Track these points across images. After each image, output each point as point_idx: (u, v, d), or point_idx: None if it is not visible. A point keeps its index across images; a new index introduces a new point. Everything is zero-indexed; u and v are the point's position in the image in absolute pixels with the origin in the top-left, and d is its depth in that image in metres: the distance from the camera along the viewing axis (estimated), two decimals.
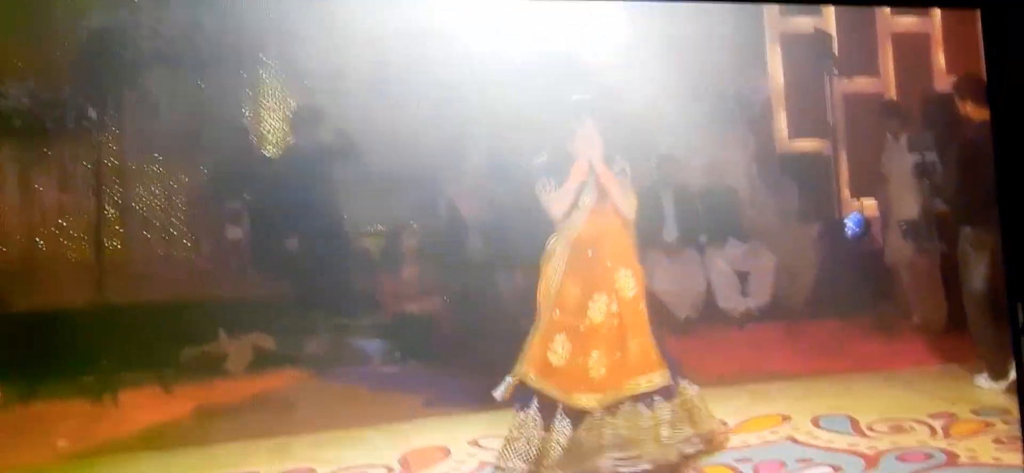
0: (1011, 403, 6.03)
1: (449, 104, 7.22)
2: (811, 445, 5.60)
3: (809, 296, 8.31)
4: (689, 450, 5.17)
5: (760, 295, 8.29)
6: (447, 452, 5.72)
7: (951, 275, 7.52)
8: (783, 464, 5.32)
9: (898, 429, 5.77)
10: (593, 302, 5.08)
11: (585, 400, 5.05)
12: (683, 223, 8.27)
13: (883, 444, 5.53)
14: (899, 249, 8.09)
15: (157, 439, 5.96)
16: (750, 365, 7.16)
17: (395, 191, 7.55)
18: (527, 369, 5.10)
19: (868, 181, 8.75)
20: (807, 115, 9.13)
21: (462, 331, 7.19)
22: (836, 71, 8.73)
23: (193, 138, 7.63)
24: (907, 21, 9.66)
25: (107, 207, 7.34)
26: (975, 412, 6.01)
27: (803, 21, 9.20)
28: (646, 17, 6.91)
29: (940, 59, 9.63)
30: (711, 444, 5.30)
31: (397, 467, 5.53)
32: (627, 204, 5.11)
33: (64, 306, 6.71)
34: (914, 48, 9.63)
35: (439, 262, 7.59)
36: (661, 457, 5.07)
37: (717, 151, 8.59)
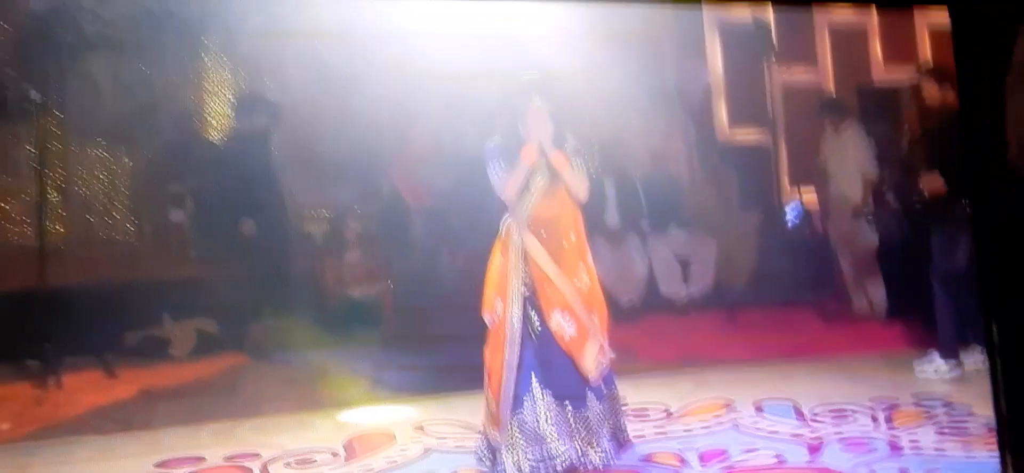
0: (954, 391, 6.08)
1: (392, 89, 7.19)
2: (755, 432, 5.55)
3: (750, 283, 8.39)
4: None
5: (702, 282, 8.40)
6: (392, 437, 5.63)
7: (894, 262, 7.69)
8: (725, 451, 5.26)
9: (841, 416, 5.73)
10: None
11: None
12: (625, 210, 8.34)
13: (826, 431, 5.49)
14: (843, 236, 8.25)
15: (101, 422, 5.90)
16: (692, 351, 7.21)
17: (338, 176, 7.58)
18: None
19: (807, 171, 8.82)
20: (747, 105, 9.23)
21: (407, 315, 7.21)
22: (775, 61, 8.85)
23: (136, 122, 7.61)
24: (845, 13, 9.80)
25: (50, 190, 7.29)
26: (916, 399, 6.00)
27: (742, 11, 9.23)
28: (587, 7, 6.89)
29: (877, 51, 9.81)
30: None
31: (342, 452, 5.45)
32: (579, 186, 4.99)
33: (7, 289, 6.64)
34: (851, 40, 9.78)
35: (383, 246, 7.63)
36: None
37: (658, 140, 8.66)
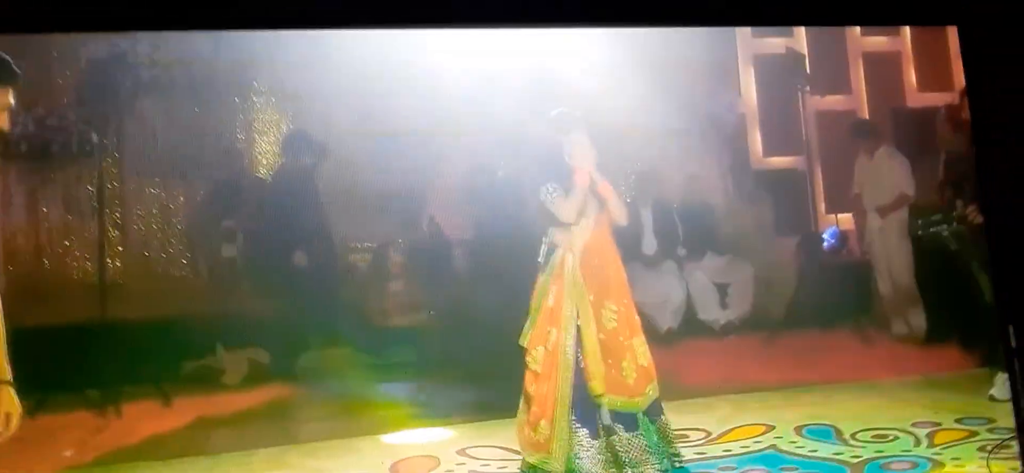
0: (996, 411, 6.00)
1: (431, 122, 7.34)
2: (796, 454, 5.55)
3: (788, 308, 8.34)
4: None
5: (740, 307, 8.39)
6: (436, 461, 5.74)
7: (932, 286, 7.67)
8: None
9: (882, 438, 5.72)
10: (605, 310, 5.09)
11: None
12: (662, 237, 8.37)
13: (868, 453, 5.46)
14: (881, 259, 8.17)
15: (158, 449, 6.07)
16: (731, 375, 7.17)
17: (381, 209, 7.64)
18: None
19: (843, 196, 8.79)
20: (781, 133, 9.23)
21: (448, 343, 7.25)
22: (808, 89, 8.88)
23: (189, 161, 7.77)
24: (878, 40, 9.78)
25: (109, 227, 7.48)
26: (959, 421, 5.93)
27: (775, 42, 9.29)
28: (623, 39, 6.94)
29: (911, 76, 9.78)
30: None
31: None
32: (622, 212, 5.16)
33: (69, 322, 6.80)
34: (885, 66, 9.73)
35: (424, 277, 7.70)
36: None
37: (693, 167, 8.68)
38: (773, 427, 6.00)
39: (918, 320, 7.94)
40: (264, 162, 8.24)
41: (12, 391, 3.21)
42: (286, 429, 6.42)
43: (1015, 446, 5.13)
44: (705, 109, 8.83)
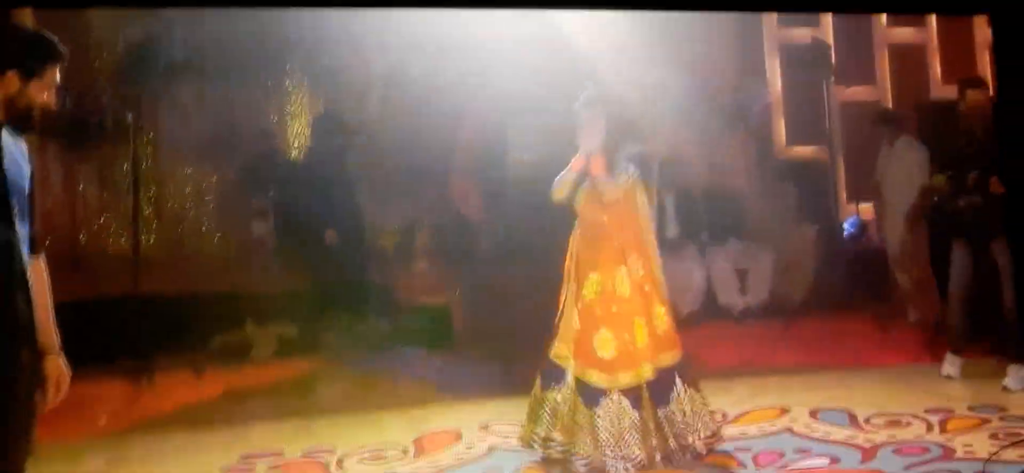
0: (1009, 400, 5.96)
1: (459, 109, 7.45)
2: (809, 437, 5.48)
3: (807, 294, 8.43)
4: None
5: (759, 292, 8.50)
6: (459, 436, 5.74)
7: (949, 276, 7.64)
8: (782, 454, 5.20)
9: (895, 423, 5.62)
10: (588, 281, 5.01)
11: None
12: (685, 223, 8.49)
13: (880, 437, 5.38)
14: (899, 247, 8.11)
15: (190, 418, 6.20)
16: (749, 359, 7.19)
17: (407, 190, 7.75)
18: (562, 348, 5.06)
19: (865, 186, 8.79)
20: (805, 122, 9.29)
21: (472, 320, 7.42)
22: (833, 79, 8.86)
23: (221, 141, 7.93)
24: (904, 31, 9.82)
25: (143, 205, 7.65)
26: (972, 408, 5.84)
27: (801, 31, 9.33)
28: (649, 26, 6.98)
29: (936, 68, 9.82)
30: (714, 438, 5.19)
31: (412, 449, 5.55)
32: (609, 190, 5.02)
33: (105, 295, 7.02)
34: (911, 58, 9.79)
35: (449, 256, 7.82)
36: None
37: (718, 155, 8.74)
38: (789, 410, 5.97)
39: (933, 308, 7.77)
40: (295, 143, 8.42)
41: (62, 359, 3.34)
42: (313, 402, 6.51)
43: None
44: (731, 98, 8.92)
